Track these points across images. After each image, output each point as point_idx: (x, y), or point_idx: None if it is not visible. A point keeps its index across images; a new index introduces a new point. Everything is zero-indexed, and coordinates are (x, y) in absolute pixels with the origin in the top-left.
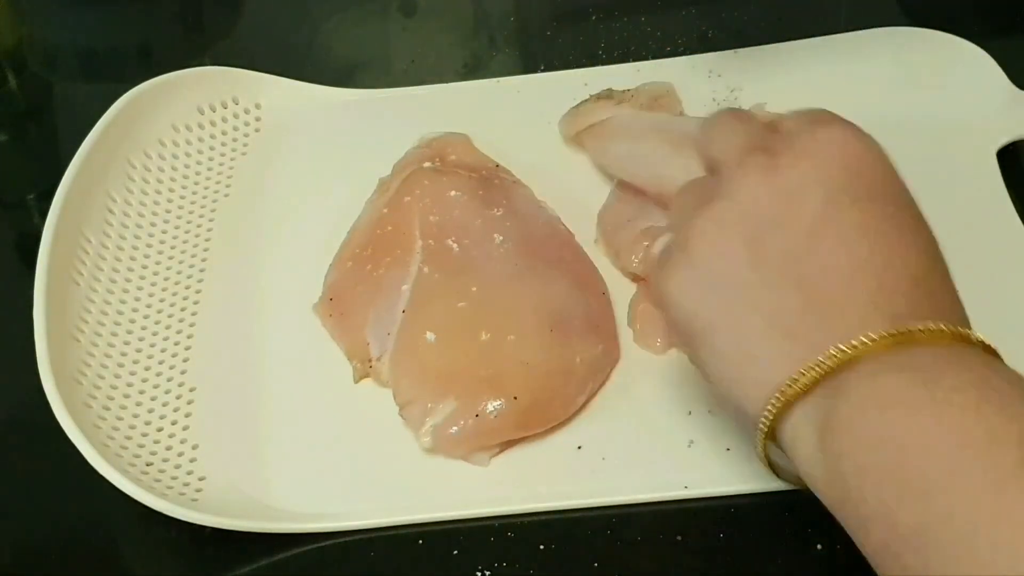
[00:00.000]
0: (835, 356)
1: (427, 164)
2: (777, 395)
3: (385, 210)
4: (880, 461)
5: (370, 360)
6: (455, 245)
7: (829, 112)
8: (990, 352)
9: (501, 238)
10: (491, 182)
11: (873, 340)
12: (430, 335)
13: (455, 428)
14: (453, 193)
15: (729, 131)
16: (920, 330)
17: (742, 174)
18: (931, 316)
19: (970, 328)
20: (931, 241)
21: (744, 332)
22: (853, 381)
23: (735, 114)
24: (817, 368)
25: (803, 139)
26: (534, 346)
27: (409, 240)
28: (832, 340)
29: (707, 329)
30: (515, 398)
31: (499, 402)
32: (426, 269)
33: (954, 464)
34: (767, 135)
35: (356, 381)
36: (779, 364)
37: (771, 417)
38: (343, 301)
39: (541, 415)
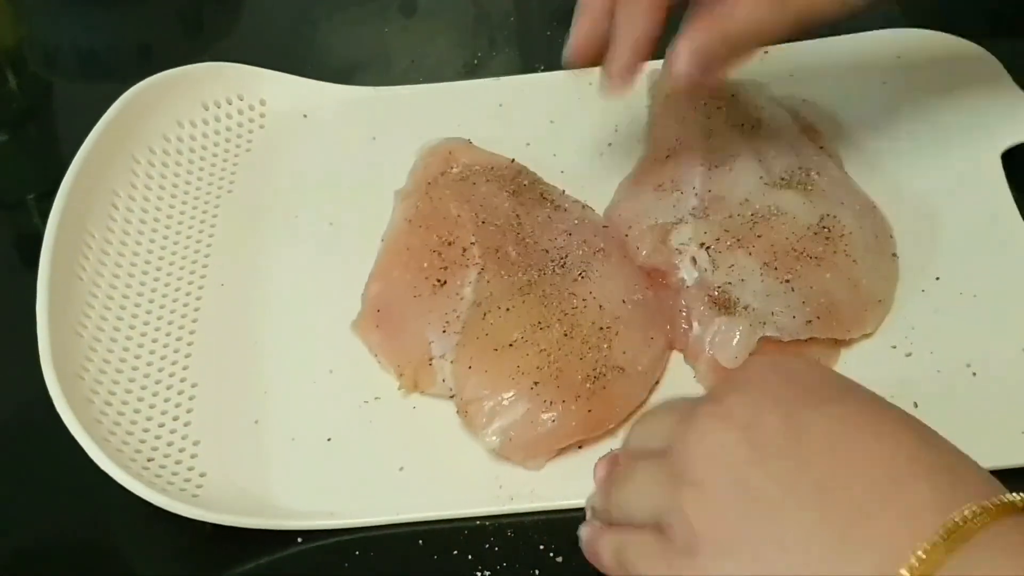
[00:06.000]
0: None
1: (455, 168)
2: None
3: (419, 220)
4: None
5: (430, 359)
6: (511, 249)
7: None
8: None
9: (550, 236)
10: (517, 180)
11: (927, 552)
12: (500, 337)
13: (524, 431)
14: (488, 193)
15: (656, 420)
16: (966, 518)
17: (696, 430)
18: (960, 497)
19: (997, 484)
20: (906, 419)
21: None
22: None
23: (652, 412)
24: None
25: (736, 377)
26: (607, 348)
27: (458, 245)
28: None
29: None
30: (587, 407)
31: (572, 407)
32: (486, 272)
33: None
34: (695, 401)
35: (401, 388)
36: None
37: None
38: (392, 312)
39: (609, 416)
